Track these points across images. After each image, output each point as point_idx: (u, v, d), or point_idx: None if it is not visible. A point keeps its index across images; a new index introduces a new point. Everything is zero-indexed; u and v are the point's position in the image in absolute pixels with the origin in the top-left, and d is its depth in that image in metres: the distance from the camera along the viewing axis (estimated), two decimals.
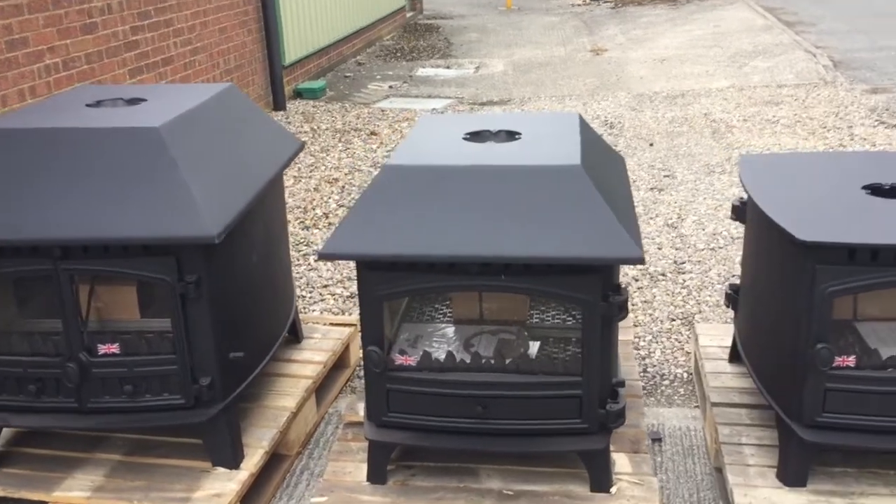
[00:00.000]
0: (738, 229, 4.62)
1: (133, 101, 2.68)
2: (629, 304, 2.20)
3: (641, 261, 2.04)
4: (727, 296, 2.81)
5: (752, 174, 2.50)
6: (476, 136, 2.48)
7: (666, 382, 3.21)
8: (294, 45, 8.52)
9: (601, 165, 2.38)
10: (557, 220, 2.13)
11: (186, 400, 2.38)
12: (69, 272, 2.28)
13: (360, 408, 2.74)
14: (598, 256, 2.07)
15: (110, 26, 5.41)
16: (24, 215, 2.23)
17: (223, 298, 2.41)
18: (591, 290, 2.14)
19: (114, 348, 2.37)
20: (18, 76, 4.55)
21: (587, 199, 2.13)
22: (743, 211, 2.67)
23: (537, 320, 2.71)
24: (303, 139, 6.64)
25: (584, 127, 2.53)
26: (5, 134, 2.36)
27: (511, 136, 2.48)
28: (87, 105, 2.63)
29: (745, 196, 2.61)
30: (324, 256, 2.16)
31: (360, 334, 3.60)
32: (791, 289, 2.18)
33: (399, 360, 2.32)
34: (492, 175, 2.19)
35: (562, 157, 2.23)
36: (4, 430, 2.53)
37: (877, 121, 6.67)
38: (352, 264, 4.43)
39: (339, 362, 3.24)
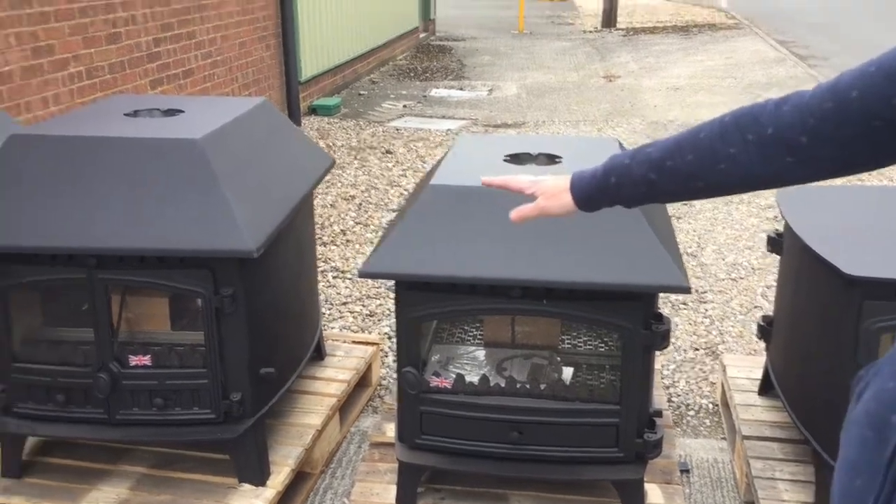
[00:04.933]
0: (758, 260, 4.61)
1: (170, 112, 2.67)
2: (671, 333, 2.18)
3: (688, 290, 2.02)
4: (760, 328, 2.79)
5: (792, 206, 2.49)
6: (516, 158, 2.47)
7: (692, 413, 3.18)
8: (310, 62, 8.55)
9: None
10: (601, 246, 2.11)
11: (216, 415, 2.35)
12: (104, 282, 2.26)
13: (388, 428, 2.72)
14: (644, 284, 2.05)
15: (134, 37, 5.42)
16: (61, 223, 2.22)
17: (256, 313, 2.38)
18: (633, 318, 2.12)
19: (145, 360, 2.34)
20: (43, 83, 4.54)
21: (632, 225, 2.12)
22: (779, 243, 2.66)
23: (569, 345, 2.68)
24: None
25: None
26: (44, 141, 2.34)
27: (551, 158, 2.46)
28: (125, 115, 2.62)
29: (778, 228, 2.59)
30: (364, 275, 2.14)
31: (381, 353, 3.60)
32: (834, 323, 2.16)
33: (434, 382, 2.29)
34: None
35: None
36: (30, 439, 2.49)
37: None
38: (370, 282, 4.41)
39: (361, 381, 3.21)
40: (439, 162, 2.51)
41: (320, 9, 8.79)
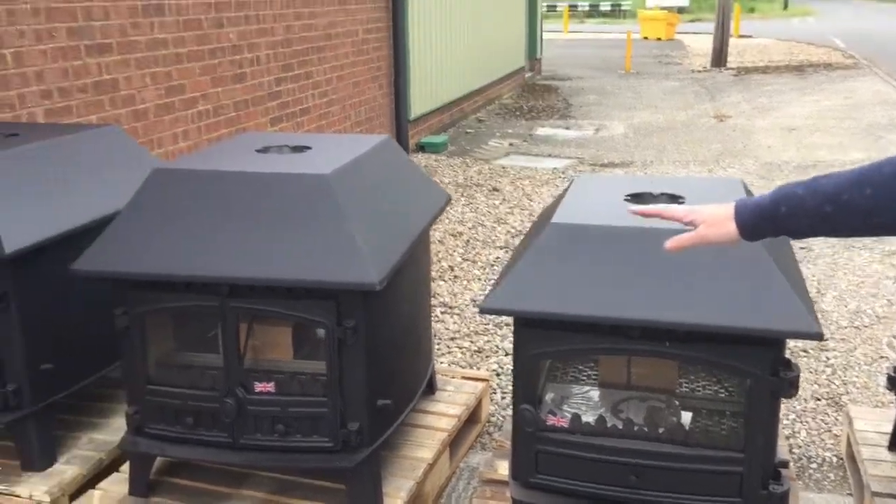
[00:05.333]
0: (883, 308, 4.40)
1: (298, 149, 2.78)
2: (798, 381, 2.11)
3: (820, 336, 1.95)
4: (889, 379, 2.67)
5: None
6: (637, 198, 2.45)
7: (814, 465, 3.04)
8: (419, 100, 8.74)
9: None
10: (727, 287, 2.06)
11: (335, 443, 2.40)
12: (235, 310, 2.36)
13: (500, 465, 2.71)
14: (773, 329, 1.99)
15: (257, 77, 5.67)
16: (198, 253, 2.33)
17: (376, 345, 2.43)
18: (760, 364, 2.06)
19: (269, 387, 2.42)
20: (174, 120, 4.81)
21: (759, 266, 2.07)
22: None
23: (686, 389, 2.62)
24: None
25: (750, 195, 2.46)
26: (184, 175, 2.48)
27: (673, 199, 2.44)
28: (257, 150, 2.74)
29: None
30: (485, 311, 2.16)
31: (491, 390, 3.60)
32: None
33: (551, 420, 2.28)
34: (660, 238, 2.14)
35: None
36: (157, 459, 2.60)
37: None
38: (478, 318, 4.43)
39: (470, 417, 3.22)
40: (558, 200, 2.52)
41: (430, 49, 9.00)
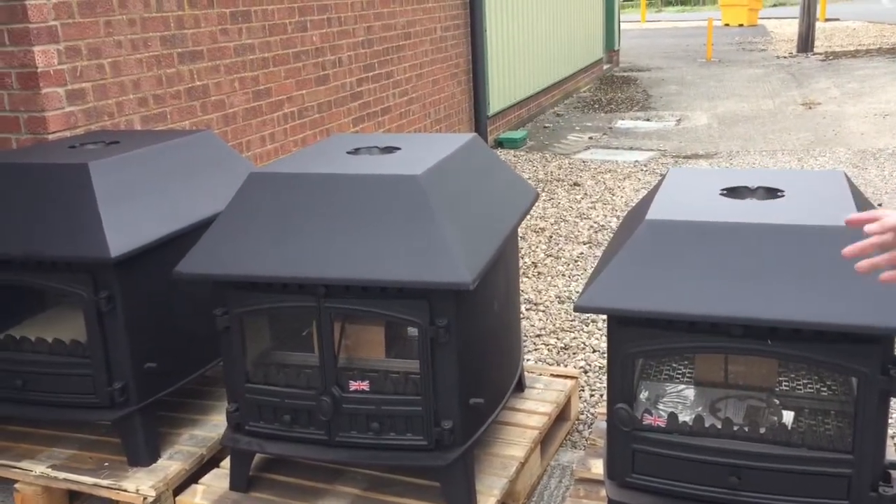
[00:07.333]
0: None
1: (387, 150, 2.81)
2: None
3: None
4: None
5: None
6: (734, 192, 2.39)
7: None
8: (497, 96, 8.72)
9: None
10: (831, 282, 1.99)
11: (428, 442, 2.42)
12: (330, 310, 2.40)
13: (594, 464, 2.69)
14: (883, 326, 1.91)
15: (340, 78, 5.76)
16: (294, 254, 2.38)
17: (468, 344, 2.44)
18: (869, 362, 1.98)
19: (363, 385, 2.45)
20: (261, 123, 4.92)
21: None
22: None
23: (787, 387, 2.55)
24: None
25: (854, 188, 2.38)
26: (279, 178, 2.53)
27: (772, 192, 2.37)
28: (347, 152, 2.78)
29: None
30: (580, 309, 2.14)
31: (580, 388, 3.57)
32: None
33: (648, 419, 2.25)
34: (759, 233, 2.09)
35: (837, 217, 2.10)
36: (256, 455, 2.67)
37: None
38: (563, 315, 4.40)
39: (560, 414, 3.20)
40: (651, 195, 2.48)
41: (508, 45, 8.97)
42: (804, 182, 2.43)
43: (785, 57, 15.22)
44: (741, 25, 22.67)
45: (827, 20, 21.85)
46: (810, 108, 10.01)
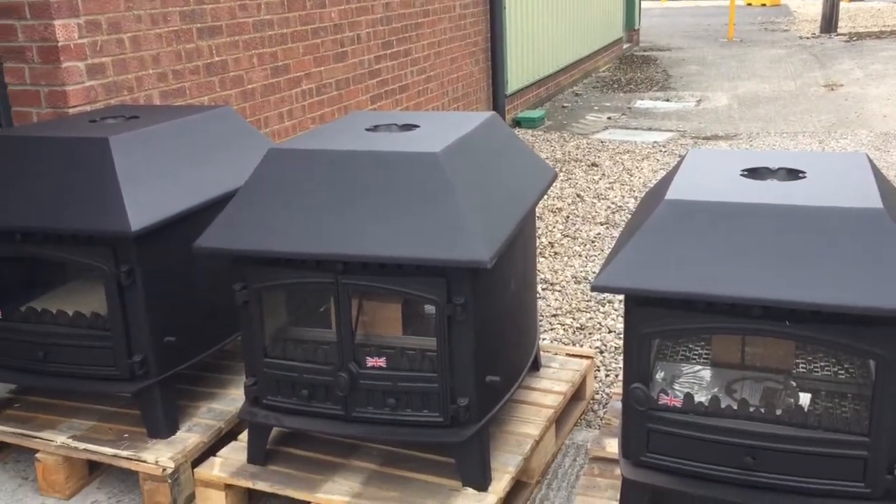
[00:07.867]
0: None
1: (406, 127, 2.81)
2: None
3: None
4: None
5: None
6: (754, 173, 2.38)
7: None
8: (515, 75, 8.68)
9: None
10: (851, 264, 1.98)
11: (444, 418, 2.44)
12: (347, 286, 2.41)
13: (608, 443, 2.70)
14: None
15: (358, 55, 5.74)
16: (313, 231, 2.39)
17: (485, 322, 2.45)
18: (888, 344, 1.97)
19: (380, 362, 2.47)
20: (279, 100, 4.92)
21: (886, 240, 1.98)
22: None
23: (804, 370, 2.54)
24: None
25: (876, 170, 2.35)
26: (298, 154, 2.54)
27: (793, 174, 2.35)
28: (367, 129, 2.78)
29: None
30: (597, 288, 2.14)
31: (595, 367, 3.58)
32: None
33: (664, 399, 2.25)
34: (780, 214, 2.08)
35: (859, 199, 2.08)
36: (273, 429, 2.70)
37: None
38: (580, 295, 4.40)
39: (575, 394, 3.21)
40: (671, 175, 2.47)
41: (527, 24, 8.90)
42: (826, 164, 2.41)
43: (808, 37, 15.03)
44: (763, 5, 22.40)
45: (851, 0, 21.53)
46: (832, 89, 9.89)
